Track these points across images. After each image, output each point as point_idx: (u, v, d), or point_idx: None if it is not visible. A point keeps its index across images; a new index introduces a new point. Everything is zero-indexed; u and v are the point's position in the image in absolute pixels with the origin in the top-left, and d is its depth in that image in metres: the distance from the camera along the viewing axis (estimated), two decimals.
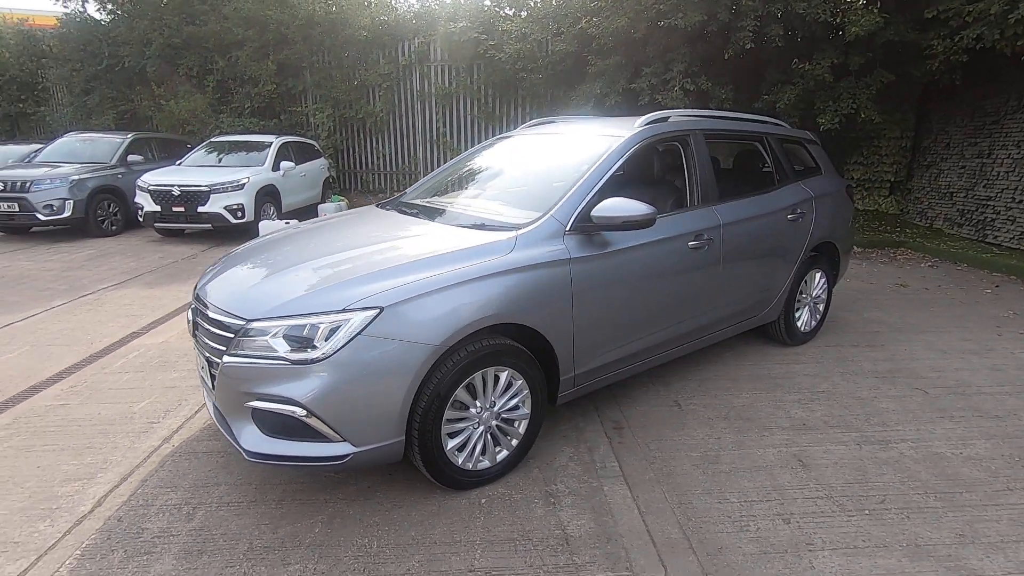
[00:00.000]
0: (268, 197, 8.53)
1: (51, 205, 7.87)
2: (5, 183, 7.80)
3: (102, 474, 2.55)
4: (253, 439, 2.13)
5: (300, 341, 2.03)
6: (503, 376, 2.38)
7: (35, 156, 9.18)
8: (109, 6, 12.06)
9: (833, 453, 2.71)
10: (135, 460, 2.65)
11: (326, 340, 2.01)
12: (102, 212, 8.46)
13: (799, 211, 3.68)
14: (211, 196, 7.76)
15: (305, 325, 2.04)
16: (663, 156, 3.33)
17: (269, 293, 2.21)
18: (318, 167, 10.22)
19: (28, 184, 7.80)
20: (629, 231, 2.63)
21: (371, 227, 2.94)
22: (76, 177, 8.13)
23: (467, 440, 2.36)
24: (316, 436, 2.07)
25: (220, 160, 8.86)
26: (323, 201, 9.90)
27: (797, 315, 3.94)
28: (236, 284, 2.39)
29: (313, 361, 2.00)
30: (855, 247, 7.38)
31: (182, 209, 7.77)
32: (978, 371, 3.66)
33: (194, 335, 2.45)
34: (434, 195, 3.44)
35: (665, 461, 2.65)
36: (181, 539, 2.12)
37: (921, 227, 8.06)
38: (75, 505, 2.33)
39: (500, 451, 2.49)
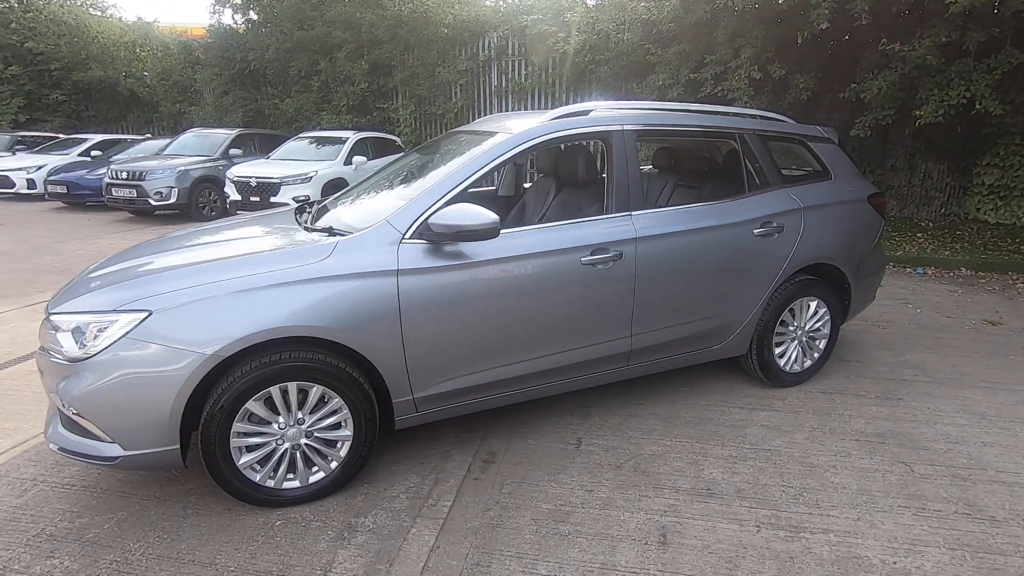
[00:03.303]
0: (337, 190, 9.02)
1: (160, 192, 9.08)
2: (127, 172, 9.15)
3: (2, 441, 2.81)
4: (55, 431, 2.19)
5: (78, 339, 2.04)
6: (312, 392, 2.21)
7: (165, 149, 10.67)
8: (251, 14, 13.65)
9: (716, 533, 2.15)
10: (38, 431, 2.89)
11: (94, 340, 2.00)
12: (203, 199, 9.58)
13: (775, 224, 2.98)
14: (282, 187, 8.41)
15: (85, 323, 2.04)
16: (588, 156, 2.90)
17: (75, 288, 2.25)
18: None
19: (144, 174, 9.07)
20: (483, 241, 2.31)
21: (239, 231, 2.82)
22: (182, 168, 9.29)
23: (269, 456, 2.23)
24: (91, 435, 2.07)
25: (302, 155, 9.57)
26: None
27: (779, 351, 3.22)
28: (73, 277, 2.48)
29: (80, 360, 2.00)
30: (962, 268, 5.97)
31: (258, 199, 8.51)
32: (1013, 450, 2.70)
33: None
34: (353, 196, 3.28)
35: (506, 509, 2.29)
36: None
37: None
38: None
39: (316, 472, 2.32)
